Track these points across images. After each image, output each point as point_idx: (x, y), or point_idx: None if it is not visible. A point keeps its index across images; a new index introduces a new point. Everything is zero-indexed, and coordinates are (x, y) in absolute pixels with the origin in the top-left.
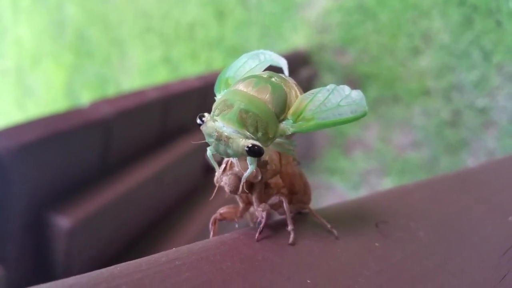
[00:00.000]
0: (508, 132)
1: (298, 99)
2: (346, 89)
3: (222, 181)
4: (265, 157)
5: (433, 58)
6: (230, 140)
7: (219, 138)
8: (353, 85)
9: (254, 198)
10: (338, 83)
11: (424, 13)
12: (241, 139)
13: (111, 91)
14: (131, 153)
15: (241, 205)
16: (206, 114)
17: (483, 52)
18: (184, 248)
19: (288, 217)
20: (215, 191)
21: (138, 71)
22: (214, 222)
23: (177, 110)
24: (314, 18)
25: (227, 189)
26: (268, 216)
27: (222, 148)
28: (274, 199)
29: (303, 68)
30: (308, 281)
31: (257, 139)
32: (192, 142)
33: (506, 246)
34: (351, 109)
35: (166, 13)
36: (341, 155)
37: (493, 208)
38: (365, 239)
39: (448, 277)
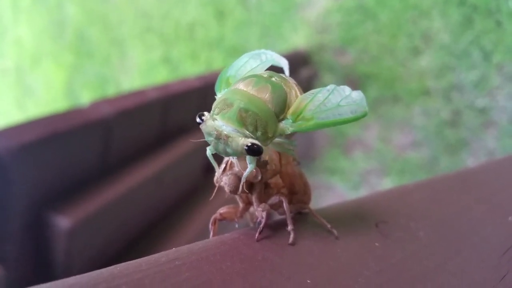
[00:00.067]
0: (508, 132)
1: (298, 99)
2: (346, 89)
3: (222, 181)
4: (265, 157)
5: (433, 58)
6: (230, 139)
7: (218, 137)
8: (353, 85)
9: (254, 198)
10: (338, 83)
11: (424, 13)
12: (240, 138)
13: (111, 91)
14: (131, 153)
15: (241, 205)
16: (206, 113)
17: (483, 52)
18: (184, 248)
19: (288, 217)
20: (215, 191)
21: (138, 71)
22: (214, 222)
23: (177, 110)
24: (314, 18)
25: (227, 189)
26: (268, 216)
27: (221, 147)
28: (274, 199)
29: (303, 68)
30: (308, 281)
31: (256, 138)
32: (191, 141)
33: (506, 246)
34: (351, 109)
35: (166, 13)
36: (341, 155)
37: (493, 208)
38: (365, 239)
39: (448, 277)
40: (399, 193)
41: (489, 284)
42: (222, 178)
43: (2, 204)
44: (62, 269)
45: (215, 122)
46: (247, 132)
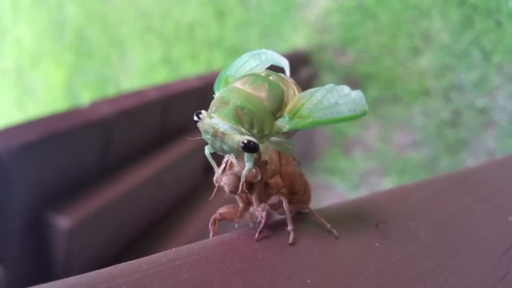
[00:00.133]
0: (508, 132)
1: (296, 97)
2: (345, 88)
3: (221, 181)
4: (265, 157)
5: (433, 58)
6: (226, 136)
7: (215, 134)
8: (353, 85)
9: (254, 198)
10: (338, 83)
11: (424, 13)
12: (236, 135)
13: (111, 91)
14: (131, 153)
15: (241, 205)
16: (203, 111)
17: (483, 52)
18: (184, 248)
19: (288, 217)
20: (214, 191)
21: (138, 71)
22: (214, 222)
23: (177, 110)
24: (314, 18)
25: (226, 189)
26: (268, 216)
27: (218, 144)
28: (274, 199)
29: (303, 68)
30: (308, 281)
31: (253, 136)
32: (189, 139)
33: (506, 246)
34: (349, 108)
35: (166, 13)
36: (341, 155)
37: (493, 208)
38: (365, 239)
39: (448, 277)
40: (399, 193)
41: (489, 284)
42: (221, 178)
43: (2, 204)
44: (62, 269)
45: (212, 120)
46: (243, 130)
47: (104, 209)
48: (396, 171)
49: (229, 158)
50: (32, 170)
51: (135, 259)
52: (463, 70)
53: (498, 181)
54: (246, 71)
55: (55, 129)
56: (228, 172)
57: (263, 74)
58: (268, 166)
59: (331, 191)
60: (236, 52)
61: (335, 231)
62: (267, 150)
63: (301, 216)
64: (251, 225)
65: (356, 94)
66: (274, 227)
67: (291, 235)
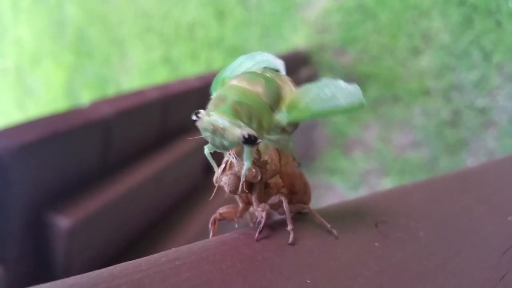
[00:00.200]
0: (508, 132)
1: (293, 92)
2: (341, 83)
3: (221, 181)
4: (265, 157)
5: (433, 58)
6: (226, 132)
7: (214, 131)
8: None
9: (253, 198)
10: None
11: (424, 13)
12: (236, 129)
13: (111, 91)
14: (131, 153)
15: (240, 205)
16: (201, 111)
17: (483, 52)
18: (184, 248)
19: (288, 217)
20: (214, 191)
21: (138, 71)
22: (214, 222)
23: (177, 110)
24: (314, 18)
25: (226, 189)
26: (268, 216)
27: (218, 141)
28: (274, 199)
29: (303, 68)
30: (308, 281)
31: (252, 129)
32: (189, 139)
33: (506, 246)
34: (346, 100)
35: (166, 13)
36: (341, 155)
37: (493, 208)
38: (365, 239)
39: (448, 277)
40: (399, 193)
41: (489, 284)
42: (221, 178)
43: (2, 204)
44: (62, 269)
45: (211, 117)
46: (242, 124)
47: (104, 209)
48: (396, 171)
49: (229, 158)
50: (32, 170)
51: (135, 259)
52: (463, 70)
53: (498, 181)
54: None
55: (55, 129)
56: (228, 172)
57: (259, 72)
58: (268, 166)
59: (331, 191)
60: (236, 52)
61: (335, 231)
62: (267, 150)
63: (301, 216)
64: (251, 225)
65: (352, 87)
66: (274, 227)
67: (291, 235)
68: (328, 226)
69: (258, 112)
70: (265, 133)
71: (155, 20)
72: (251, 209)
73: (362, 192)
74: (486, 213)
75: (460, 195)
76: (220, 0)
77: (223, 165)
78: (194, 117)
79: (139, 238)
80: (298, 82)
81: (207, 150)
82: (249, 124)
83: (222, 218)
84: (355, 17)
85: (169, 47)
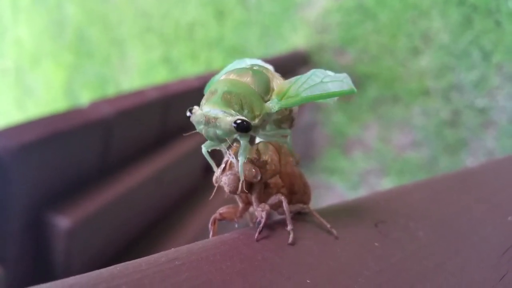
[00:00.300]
0: (508, 132)
1: (282, 83)
2: (328, 72)
3: (221, 181)
4: (265, 157)
5: (433, 58)
6: (218, 120)
7: (207, 122)
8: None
9: (253, 198)
10: None
11: (423, 13)
12: (227, 117)
13: (111, 91)
14: (131, 153)
15: (240, 205)
16: (195, 107)
17: (483, 52)
18: (184, 248)
19: (288, 217)
20: (214, 191)
21: (138, 71)
22: (214, 222)
23: (177, 110)
24: (313, 18)
25: (226, 189)
26: (268, 216)
27: (211, 131)
28: (273, 199)
29: (302, 68)
30: (308, 281)
31: (245, 117)
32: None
33: (506, 245)
34: (335, 86)
35: (166, 13)
36: (340, 155)
37: (492, 208)
38: (364, 239)
39: (447, 276)
40: (398, 193)
41: (488, 283)
42: (221, 178)
43: (2, 204)
44: (62, 269)
45: (203, 109)
46: (234, 112)
47: (104, 209)
48: (396, 171)
49: (229, 158)
50: (32, 170)
51: (135, 259)
52: (463, 70)
53: (498, 181)
54: None
55: (55, 129)
56: (227, 172)
57: (247, 66)
58: (268, 166)
59: (331, 191)
60: (236, 52)
61: (334, 231)
62: (267, 150)
63: (300, 216)
64: (251, 225)
65: (342, 76)
66: (273, 227)
67: (291, 235)
68: (328, 226)
69: (249, 100)
70: (258, 121)
71: (155, 20)
72: (251, 209)
73: (361, 192)
74: (485, 213)
75: (460, 195)
76: (220, 0)
77: (222, 165)
78: (188, 114)
79: (139, 238)
80: None
81: (204, 149)
82: (240, 112)
83: (222, 218)
84: (355, 17)
85: (169, 47)
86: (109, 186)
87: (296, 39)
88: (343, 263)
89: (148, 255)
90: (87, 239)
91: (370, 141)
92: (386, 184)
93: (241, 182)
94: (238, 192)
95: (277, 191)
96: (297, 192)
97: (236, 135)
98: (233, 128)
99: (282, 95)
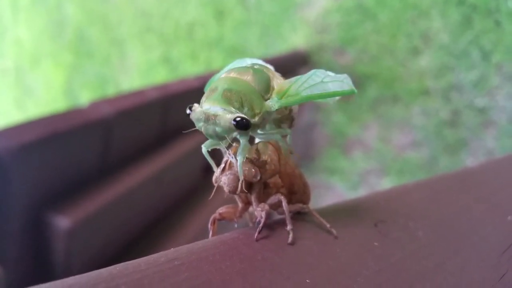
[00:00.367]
0: (507, 132)
1: (282, 82)
2: (329, 72)
3: (221, 181)
4: (264, 157)
5: (433, 58)
6: (217, 118)
7: (207, 119)
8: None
9: (253, 198)
10: None
11: (423, 13)
12: (227, 114)
13: (111, 91)
14: (131, 153)
15: (240, 205)
16: (195, 104)
17: (482, 52)
18: (184, 248)
19: (287, 216)
20: (213, 190)
21: (138, 71)
22: (213, 222)
23: (177, 110)
24: (313, 18)
25: (226, 189)
26: (267, 215)
27: (211, 128)
28: (273, 199)
29: (302, 68)
30: (308, 280)
31: (244, 115)
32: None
33: (505, 245)
34: (335, 86)
35: (165, 13)
36: (340, 155)
37: (492, 208)
38: (364, 238)
39: (447, 276)
40: (398, 192)
41: (488, 283)
42: (221, 178)
43: (2, 204)
44: (62, 269)
45: (203, 107)
46: (233, 109)
47: (104, 209)
48: (396, 171)
49: (229, 158)
50: (32, 170)
51: (135, 259)
52: (463, 70)
53: (497, 181)
54: None
55: (55, 129)
56: (227, 172)
57: (248, 66)
58: (267, 166)
59: (331, 191)
60: (235, 52)
61: (334, 231)
62: (266, 150)
63: (300, 216)
64: (251, 225)
65: (343, 76)
66: (273, 227)
67: (291, 235)
68: (328, 226)
69: (249, 97)
70: (258, 118)
71: (154, 20)
72: (250, 209)
73: (361, 192)
74: (485, 213)
75: (460, 195)
76: (220, 0)
77: (222, 165)
78: (188, 111)
79: (139, 238)
80: None
81: (204, 149)
82: (240, 109)
83: (222, 218)
84: (355, 17)
85: (169, 47)
86: (109, 186)
87: (296, 39)
88: (342, 262)
89: (148, 255)
90: (87, 239)
91: (370, 141)
92: (386, 184)
93: (240, 182)
94: (237, 192)
95: (276, 191)
96: (297, 192)
97: (235, 133)
98: (233, 125)
99: (282, 94)
